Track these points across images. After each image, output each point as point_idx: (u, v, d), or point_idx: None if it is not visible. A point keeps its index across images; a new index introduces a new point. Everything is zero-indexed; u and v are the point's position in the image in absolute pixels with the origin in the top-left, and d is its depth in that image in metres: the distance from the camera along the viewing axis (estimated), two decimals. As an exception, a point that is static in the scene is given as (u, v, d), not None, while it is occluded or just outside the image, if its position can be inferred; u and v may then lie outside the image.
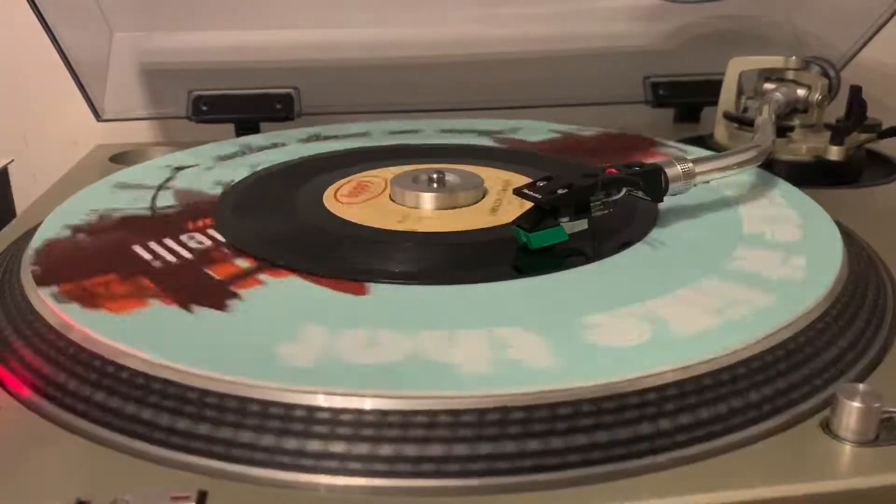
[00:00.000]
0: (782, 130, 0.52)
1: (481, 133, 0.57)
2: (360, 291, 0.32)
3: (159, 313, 0.30)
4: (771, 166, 0.48)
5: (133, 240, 0.37)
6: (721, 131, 0.57)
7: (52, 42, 0.56)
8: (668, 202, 0.38)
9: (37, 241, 0.37)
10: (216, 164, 0.50)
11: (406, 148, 0.53)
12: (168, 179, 0.46)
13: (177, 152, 0.53)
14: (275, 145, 0.54)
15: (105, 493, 0.23)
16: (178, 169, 0.48)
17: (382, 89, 0.66)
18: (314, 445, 0.25)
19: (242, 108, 0.62)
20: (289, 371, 0.26)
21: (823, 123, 0.53)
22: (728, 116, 0.56)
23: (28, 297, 0.33)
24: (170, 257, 0.35)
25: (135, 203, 0.42)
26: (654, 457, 0.25)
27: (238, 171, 0.48)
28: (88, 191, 0.45)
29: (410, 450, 0.24)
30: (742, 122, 0.54)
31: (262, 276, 0.33)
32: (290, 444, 0.25)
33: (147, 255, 0.36)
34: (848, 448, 0.26)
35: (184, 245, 0.37)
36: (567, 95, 0.67)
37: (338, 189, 0.44)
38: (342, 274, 0.33)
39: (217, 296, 0.31)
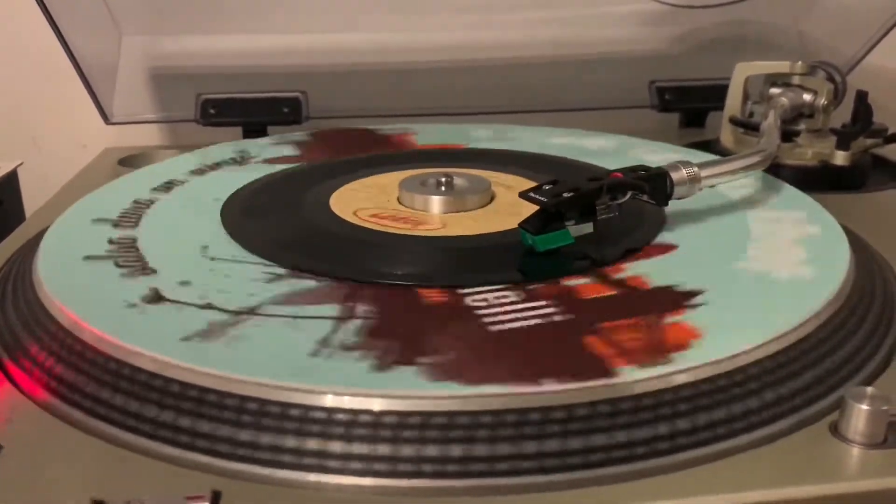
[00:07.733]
0: (788, 135, 0.52)
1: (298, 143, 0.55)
2: None
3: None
4: (777, 171, 0.48)
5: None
6: (727, 136, 0.57)
7: (62, 45, 0.56)
8: (673, 206, 0.38)
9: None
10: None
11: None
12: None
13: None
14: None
15: (120, 493, 0.23)
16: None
17: (389, 94, 0.66)
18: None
19: (250, 111, 0.63)
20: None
21: (829, 128, 0.53)
22: (734, 121, 0.56)
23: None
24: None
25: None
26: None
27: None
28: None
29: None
30: (748, 126, 0.55)
31: None
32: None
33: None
34: (856, 451, 0.26)
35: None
36: (573, 100, 0.67)
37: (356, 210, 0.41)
38: None
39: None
